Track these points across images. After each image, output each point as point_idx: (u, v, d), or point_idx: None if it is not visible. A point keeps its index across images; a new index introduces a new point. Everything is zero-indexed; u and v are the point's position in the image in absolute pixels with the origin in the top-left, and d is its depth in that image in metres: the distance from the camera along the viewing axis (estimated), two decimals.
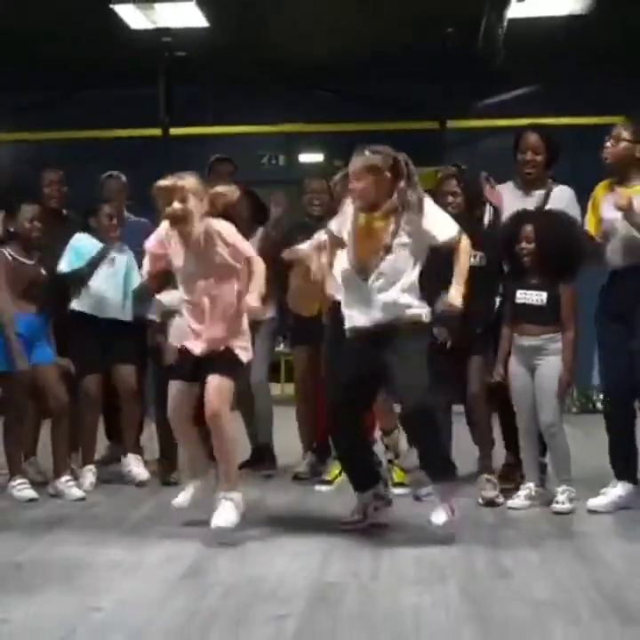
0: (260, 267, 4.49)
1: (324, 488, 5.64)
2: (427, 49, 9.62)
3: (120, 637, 3.14)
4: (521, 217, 5.19)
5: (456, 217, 4.79)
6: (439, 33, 9.56)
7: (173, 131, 10.76)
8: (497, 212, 5.59)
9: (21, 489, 5.38)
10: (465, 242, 4.54)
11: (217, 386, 4.40)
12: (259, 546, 4.33)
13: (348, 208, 4.56)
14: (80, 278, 5.73)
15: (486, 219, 5.66)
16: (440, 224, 4.51)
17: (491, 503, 5.10)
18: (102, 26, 9.14)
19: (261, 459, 6.17)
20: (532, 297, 5.07)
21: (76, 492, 5.42)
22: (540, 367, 5.06)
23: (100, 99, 10.57)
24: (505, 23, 8.83)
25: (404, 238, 4.44)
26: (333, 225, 4.63)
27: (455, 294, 4.48)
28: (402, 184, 4.42)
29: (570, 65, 9.74)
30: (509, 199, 5.57)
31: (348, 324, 4.57)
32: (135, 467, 5.83)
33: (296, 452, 6.25)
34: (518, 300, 5.12)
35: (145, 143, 10.57)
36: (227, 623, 3.29)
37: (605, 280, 5.14)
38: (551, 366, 5.03)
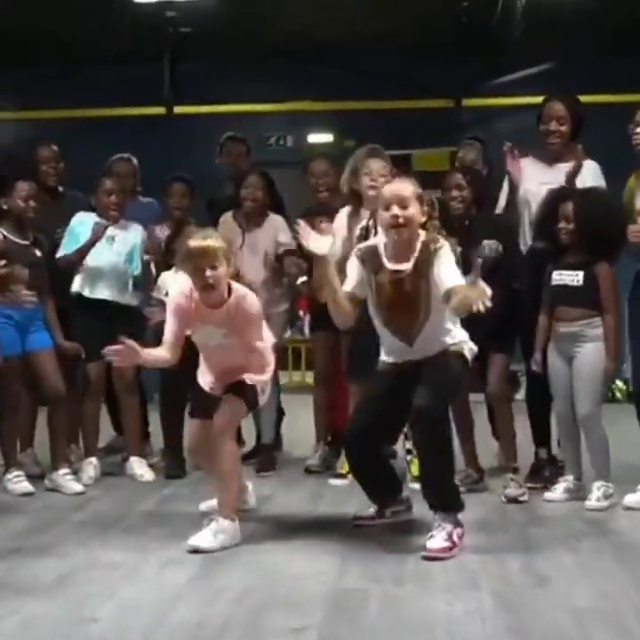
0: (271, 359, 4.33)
1: (338, 482, 5.35)
2: (441, 24, 9.41)
3: None
4: (560, 195, 4.93)
5: (464, 213, 4.77)
6: (454, 7, 9.30)
7: (177, 109, 10.61)
8: (513, 189, 5.30)
9: (17, 482, 5.13)
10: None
11: (230, 405, 4.16)
12: (270, 547, 4.02)
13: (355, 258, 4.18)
14: (69, 264, 5.48)
15: (503, 199, 5.37)
16: (452, 276, 3.99)
17: (514, 501, 4.80)
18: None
19: (261, 457, 5.85)
20: (568, 278, 4.82)
21: (75, 486, 5.16)
22: (578, 355, 4.80)
23: (102, 76, 10.37)
24: None
25: (435, 292, 4.00)
26: (351, 278, 4.17)
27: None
28: (430, 229, 4.09)
29: (587, 41, 9.53)
30: (531, 173, 5.30)
31: (384, 358, 4.27)
32: (138, 469, 5.55)
33: (306, 442, 5.98)
34: (554, 282, 4.87)
35: (148, 122, 10.41)
36: (238, 636, 2.99)
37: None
38: (590, 354, 4.76)
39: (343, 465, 5.39)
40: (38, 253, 5.27)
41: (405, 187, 4.06)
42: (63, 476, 5.17)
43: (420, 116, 9.69)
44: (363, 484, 4.34)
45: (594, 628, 3.02)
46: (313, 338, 6.10)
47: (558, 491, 4.89)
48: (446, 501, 4.00)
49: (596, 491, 4.71)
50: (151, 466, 5.65)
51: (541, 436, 5.30)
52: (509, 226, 5.16)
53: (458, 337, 4.13)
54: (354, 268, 4.19)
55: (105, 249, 5.50)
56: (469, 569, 3.68)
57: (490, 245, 4.87)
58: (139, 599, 3.34)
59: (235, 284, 4.21)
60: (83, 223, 5.53)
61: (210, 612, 3.18)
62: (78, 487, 5.15)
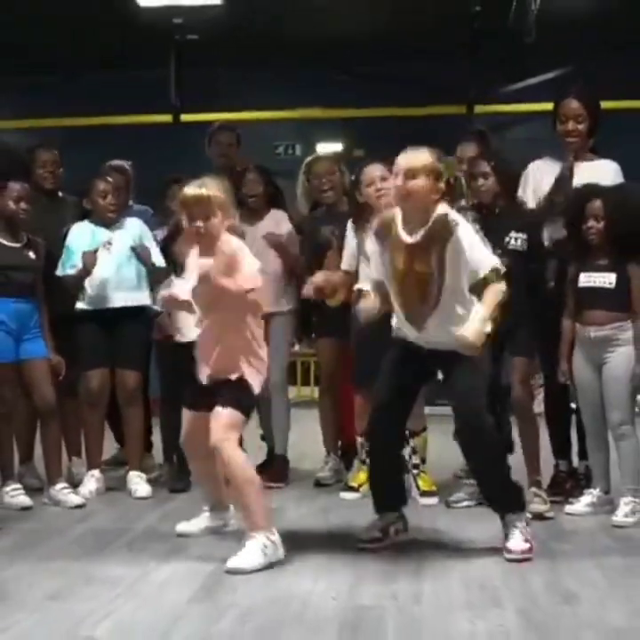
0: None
1: (350, 495, 5.17)
2: (454, 29, 9.30)
3: None
4: (588, 192, 4.75)
5: (492, 201, 4.62)
6: (467, 13, 9.22)
7: (185, 117, 10.49)
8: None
9: (14, 495, 4.95)
10: (501, 285, 3.95)
11: (220, 417, 3.92)
12: (277, 566, 3.78)
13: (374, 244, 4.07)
14: (71, 285, 5.31)
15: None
16: (480, 256, 3.93)
17: (539, 517, 4.55)
18: (110, 3, 8.89)
19: (273, 468, 5.63)
20: (599, 280, 4.64)
21: (74, 499, 4.99)
22: (609, 361, 4.63)
23: (108, 83, 10.37)
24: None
25: (448, 276, 3.89)
26: (373, 269, 4.14)
27: (473, 329, 3.82)
28: (448, 204, 3.93)
29: (600, 48, 9.42)
30: (548, 173, 5.08)
31: (398, 335, 4.13)
32: (135, 485, 5.32)
33: (315, 456, 5.80)
34: (582, 285, 4.69)
35: (155, 130, 10.36)
36: None
37: None
38: (621, 359, 4.59)
39: (354, 477, 5.31)
40: (32, 256, 5.10)
41: (419, 157, 3.89)
42: (61, 491, 5.00)
43: (432, 123, 9.57)
44: (378, 476, 4.20)
45: None
46: (318, 345, 5.91)
47: (581, 504, 4.70)
48: (512, 503, 4.00)
49: (624, 506, 4.51)
50: (152, 480, 5.45)
51: (561, 447, 5.14)
52: (538, 222, 4.93)
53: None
54: (374, 252, 4.10)
55: (105, 258, 5.30)
56: (491, 586, 3.48)
57: (516, 238, 4.67)
58: (137, 618, 3.16)
59: (230, 240, 4.01)
60: (78, 235, 5.35)
61: (213, 633, 3.00)
62: (78, 500, 4.98)
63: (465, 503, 4.82)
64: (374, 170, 5.00)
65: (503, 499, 4.01)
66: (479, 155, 5.07)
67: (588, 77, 9.30)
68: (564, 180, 4.97)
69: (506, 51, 9.35)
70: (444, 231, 3.84)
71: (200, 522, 4.33)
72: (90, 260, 5.22)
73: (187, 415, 4.21)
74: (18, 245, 5.06)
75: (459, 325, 3.87)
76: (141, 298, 5.41)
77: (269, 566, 3.71)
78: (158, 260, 5.39)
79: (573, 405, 5.12)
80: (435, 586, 3.48)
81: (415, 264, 3.90)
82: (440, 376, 4.17)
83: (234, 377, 3.98)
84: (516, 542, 3.86)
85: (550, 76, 10.00)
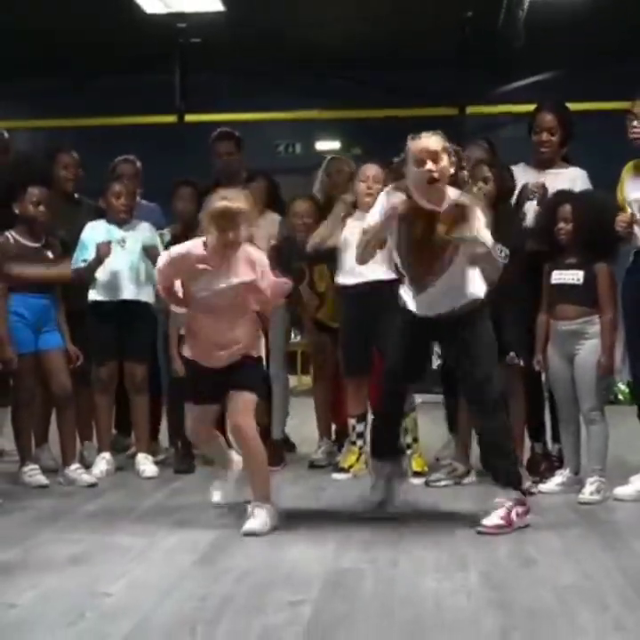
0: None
1: (341, 476, 5.52)
2: (446, 33, 9.53)
3: (129, 622, 3.03)
4: (560, 197, 5.08)
5: (487, 207, 4.62)
6: (458, 17, 9.46)
7: (188, 117, 10.68)
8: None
9: (32, 475, 5.29)
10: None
11: (241, 401, 4.27)
12: (274, 533, 4.19)
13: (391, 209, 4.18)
14: (80, 280, 5.57)
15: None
16: (485, 235, 4.13)
17: (523, 493, 4.87)
18: (116, 11, 9.09)
19: (269, 452, 5.95)
20: (568, 277, 4.95)
21: (88, 478, 5.32)
22: (579, 353, 4.93)
23: (115, 85, 10.51)
24: (526, 5, 8.69)
25: (460, 250, 4.14)
26: (374, 215, 4.27)
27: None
28: (461, 183, 4.16)
29: (590, 49, 9.64)
30: (523, 179, 5.42)
31: (404, 305, 4.39)
32: (143, 465, 5.66)
33: (313, 441, 6.14)
34: (554, 281, 5.00)
35: (160, 131, 10.50)
36: (239, 608, 3.18)
37: (630, 261, 5.01)
38: (590, 351, 4.90)
39: (345, 459, 5.61)
40: (50, 255, 5.37)
41: (435, 141, 4.06)
42: (75, 471, 5.32)
43: (425, 124, 9.75)
44: (384, 429, 4.53)
45: (575, 604, 3.18)
46: (310, 337, 6.17)
47: (552, 483, 5.04)
48: (509, 476, 4.26)
49: (590, 485, 4.83)
50: (159, 463, 5.79)
51: (536, 431, 5.48)
52: (524, 233, 5.22)
53: (475, 288, 4.24)
54: (379, 205, 4.24)
55: (119, 252, 5.59)
56: (460, 553, 3.86)
57: (500, 250, 4.82)
58: (148, 577, 3.54)
59: (251, 248, 4.31)
60: (92, 231, 5.63)
61: (213, 589, 3.36)
62: (91, 479, 5.30)
63: (443, 482, 5.20)
64: (370, 169, 5.32)
65: (505, 471, 4.27)
66: (483, 160, 5.29)
67: (577, 79, 9.75)
68: (523, 196, 5.29)
69: (496, 54, 9.56)
70: (463, 210, 4.04)
71: (222, 489, 4.66)
72: (104, 249, 5.45)
73: (191, 410, 4.49)
74: (37, 245, 5.33)
75: (461, 289, 4.19)
76: (148, 297, 5.70)
77: (264, 536, 4.11)
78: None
79: (547, 393, 5.46)
80: (410, 552, 3.86)
81: (434, 234, 4.09)
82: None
83: (254, 354, 4.32)
84: (491, 519, 4.15)
85: (540, 78, 10.26)
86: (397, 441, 4.75)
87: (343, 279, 5.47)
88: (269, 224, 5.97)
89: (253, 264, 4.24)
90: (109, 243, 5.50)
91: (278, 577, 3.53)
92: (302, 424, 6.62)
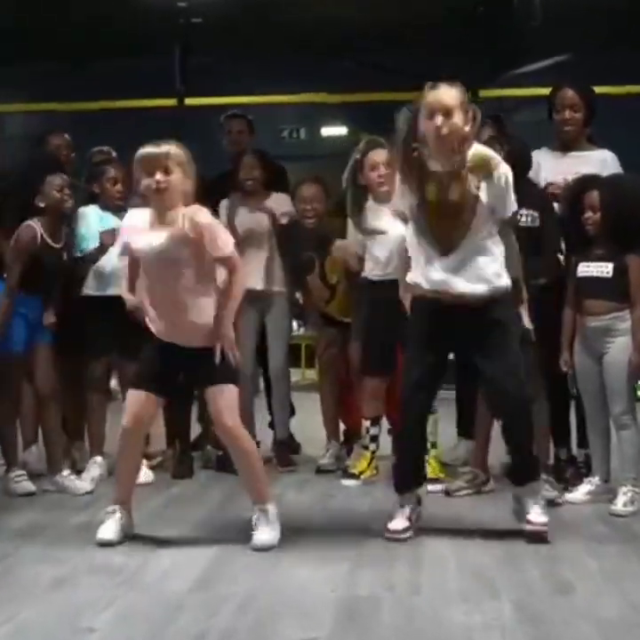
0: (239, 275, 3.95)
1: (351, 483, 5.17)
2: (457, 14, 9.35)
3: None
4: (585, 183, 4.77)
5: None
6: None
7: (189, 101, 10.51)
8: None
9: (18, 481, 4.96)
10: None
11: (223, 398, 3.92)
12: (278, 551, 3.83)
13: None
14: (86, 265, 5.30)
15: None
16: (511, 200, 3.99)
17: (551, 504, 4.52)
18: None
19: (278, 456, 5.67)
20: (596, 269, 4.64)
21: (82, 485, 5.00)
22: (608, 351, 4.63)
23: (113, 68, 10.37)
24: None
25: (483, 202, 3.91)
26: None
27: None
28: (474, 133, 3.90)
29: (605, 31, 9.46)
30: (544, 164, 5.15)
31: (421, 292, 4.08)
32: None
33: (319, 441, 5.77)
34: (580, 274, 4.70)
35: (159, 114, 10.31)
36: None
37: None
38: (620, 349, 4.58)
39: (355, 464, 5.30)
40: (65, 257, 5.10)
41: (450, 95, 3.88)
42: (67, 477, 5.01)
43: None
44: (406, 454, 4.23)
45: None
46: (317, 332, 5.93)
47: (580, 492, 4.71)
48: (533, 474, 4.11)
49: (623, 495, 4.52)
50: (154, 467, 5.46)
51: (561, 436, 5.17)
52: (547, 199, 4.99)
53: (500, 275, 4.01)
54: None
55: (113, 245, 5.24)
56: (487, 576, 3.50)
57: (527, 215, 4.69)
58: (138, 607, 3.18)
59: (193, 207, 3.92)
60: (87, 220, 5.33)
61: (213, 622, 3.02)
62: (86, 485, 4.99)
63: (464, 492, 4.85)
64: (379, 155, 5.01)
65: (529, 467, 4.09)
66: (492, 138, 4.99)
67: (592, 61, 9.44)
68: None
69: (509, 36, 9.42)
70: (484, 166, 3.87)
71: (111, 523, 4.02)
72: (108, 237, 5.18)
73: (132, 396, 4.01)
74: (59, 246, 5.03)
75: (483, 266, 3.94)
76: None
77: (269, 554, 3.76)
78: None
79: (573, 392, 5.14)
80: (432, 576, 3.50)
81: (449, 194, 3.89)
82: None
83: (216, 345, 3.91)
84: (537, 515, 3.96)
85: (554, 61, 9.97)
86: (424, 469, 4.40)
87: (369, 272, 5.16)
88: (276, 207, 5.63)
89: (197, 226, 3.84)
90: (114, 230, 5.19)
91: (285, 605, 3.19)
92: (307, 421, 6.25)
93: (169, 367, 4.02)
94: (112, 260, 5.22)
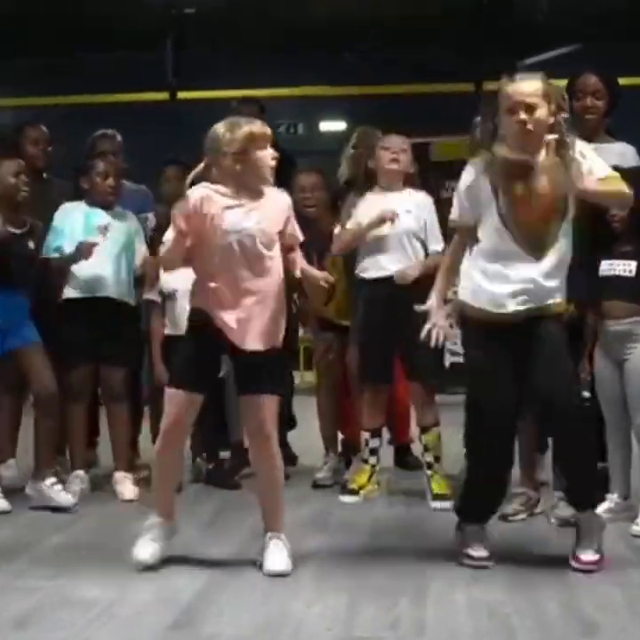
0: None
1: (350, 499, 4.89)
2: (462, 6, 9.28)
3: None
4: None
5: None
6: None
7: (182, 94, 10.47)
8: None
9: None
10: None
11: (268, 408, 3.70)
12: (269, 583, 3.51)
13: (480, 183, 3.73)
14: (57, 270, 5.04)
15: None
16: (599, 162, 3.72)
17: (566, 524, 4.20)
18: None
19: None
20: (620, 267, 4.37)
21: (66, 498, 4.68)
22: (629, 358, 4.32)
23: (104, 61, 10.26)
24: None
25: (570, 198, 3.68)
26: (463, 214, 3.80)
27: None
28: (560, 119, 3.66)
29: (611, 23, 9.39)
30: None
31: (479, 306, 3.75)
32: (121, 486, 5.03)
33: (316, 451, 5.49)
34: (603, 273, 4.41)
35: (151, 108, 10.29)
36: None
37: None
38: None
39: (354, 479, 5.02)
40: (31, 245, 4.83)
41: (532, 87, 3.62)
42: (52, 487, 4.69)
43: (439, 101, 9.35)
44: (490, 486, 3.87)
45: None
46: (314, 337, 5.71)
47: (599, 510, 4.36)
48: (592, 498, 3.85)
49: None
50: (140, 481, 5.11)
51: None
52: None
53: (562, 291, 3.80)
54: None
55: (100, 245, 4.97)
56: (501, 613, 3.17)
57: None
58: None
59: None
60: (68, 215, 5.08)
61: None
62: (70, 499, 4.68)
63: (521, 516, 4.46)
64: (398, 139, 4.95)
65: (589, 491, 3.82)
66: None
67: (598, 53, 9.25)
68: None
69: (514, 27, 9.27)
70: (561, 150, 3.65)
71: (151, 543, 3.74)
72: (87, 251, 4.88)
73: (173, 397, 3.71)
74: (19, 232, 4.77)
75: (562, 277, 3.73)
76: (127, 298, 5.15)
77: (260, 583, 3.47)
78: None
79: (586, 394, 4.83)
80: (438, 612, 3.19)
81: (534, 186, 3.65)
82: None
83: (270, 347, 3.71)
84: (588, 554, 3.64)
85: (559, 52, 9.75)
86: (504, 496, 4.05)
87: (364, 272, 4.93)
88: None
89: (283, 209, 3.83)
90: (93, 245, 4.93)
91: None
92: (304, 429, 5.96)
93: (209, 364, 3.77)
94: (96, 263, 4.97)
